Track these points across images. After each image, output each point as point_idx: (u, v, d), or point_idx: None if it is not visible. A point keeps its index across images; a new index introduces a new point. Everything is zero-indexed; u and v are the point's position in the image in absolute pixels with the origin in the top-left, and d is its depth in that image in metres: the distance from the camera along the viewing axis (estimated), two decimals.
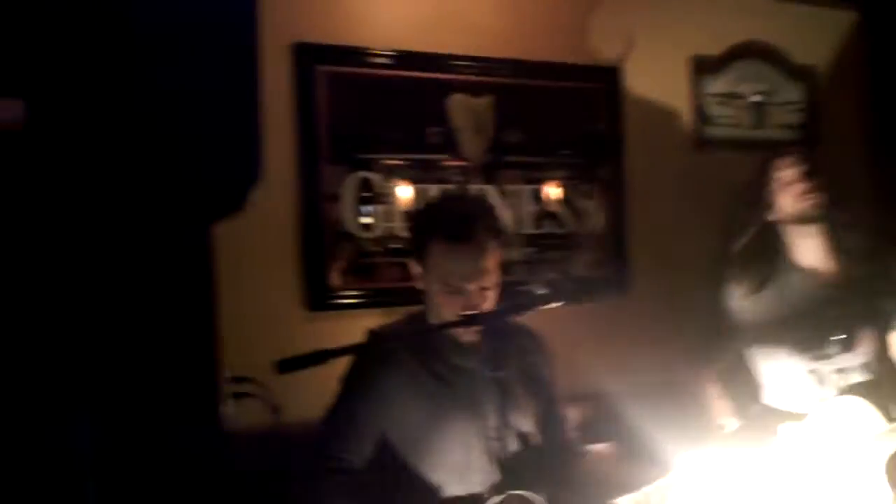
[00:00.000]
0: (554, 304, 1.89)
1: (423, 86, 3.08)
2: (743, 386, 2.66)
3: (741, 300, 2.61)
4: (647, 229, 3.43)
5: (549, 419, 2.14)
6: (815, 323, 2.45)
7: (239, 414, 2.51)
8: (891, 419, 2.16)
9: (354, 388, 2.03)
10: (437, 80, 3.10)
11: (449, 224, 1.95)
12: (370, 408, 1.99)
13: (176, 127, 1.70)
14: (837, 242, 2.52)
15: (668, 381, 3.24)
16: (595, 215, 3.36)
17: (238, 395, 2.55)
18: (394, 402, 1.99)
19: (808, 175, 2.49)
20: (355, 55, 2.99)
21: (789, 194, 2.50)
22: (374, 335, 2.05)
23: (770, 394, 2.59)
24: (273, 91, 2.84)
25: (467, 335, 1.98)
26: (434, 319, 2.01)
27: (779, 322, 2.52)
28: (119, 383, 1.93)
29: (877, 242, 2.56)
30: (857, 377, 2.45)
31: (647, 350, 3.31)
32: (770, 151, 2.69)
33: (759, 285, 2.56)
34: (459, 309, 1.89)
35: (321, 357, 1.61)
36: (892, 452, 1.93)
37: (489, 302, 1.95)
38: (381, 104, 3.02)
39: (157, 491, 1.96)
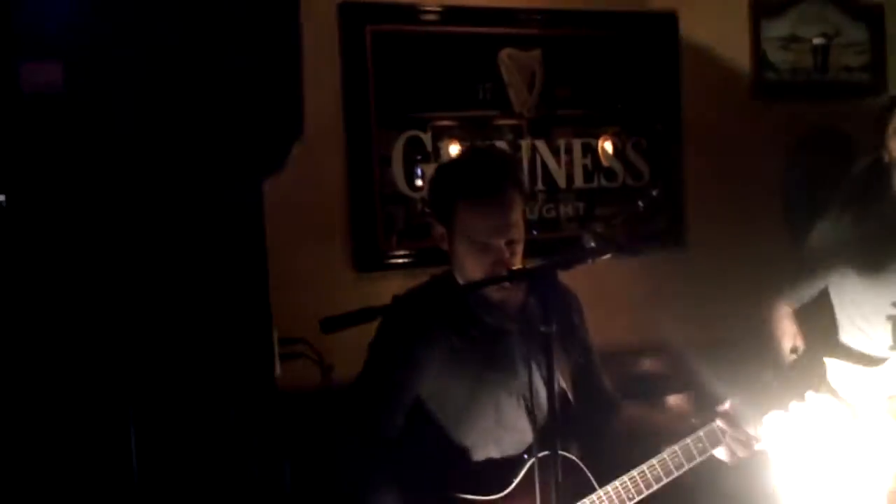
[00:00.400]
0: (603, 257, 1.85)
1: (472, 41, 3.03)
2: (821, 324, 2.66)
3: (836, 232, 2.58)
4: (704, 181, 3.34)
5: (588, 373, 2.11)
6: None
7: (290, 374, 2.56)
8: None
9: (384, 355, 2.01)
10: (485, 34, 3.05)
11: (473, 180, 1.92)
12: (401, 375, 1.97)
13: (218, 89, 1.70)
14: None
15: (723, 338, 3.20)
16: (650, 168, 3.27)
17: (290, 356, 2.59)
18: (424, 367, 1.96)
19: None
20: (402, 12, 2.96)
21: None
22: (399, 300, 2.02)
23: (849, 335, 2.57)
24: (321, 52, 2.85)
25: (498, 293, 1.94)
26: (461, 279, 1.97)
27: (871, 259, 2.49)
28: (173, 344, 1.96)
29: None
30: None
31: (705, 304, 3.25)
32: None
33: (862, 218, 2.54)
34: (488, 266, 1.87)
35: (366, 315, 1.59)
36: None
37: (517, 257, 1.91)
38: (430, 62, 2.99)
39: (210, 452, 2.00)
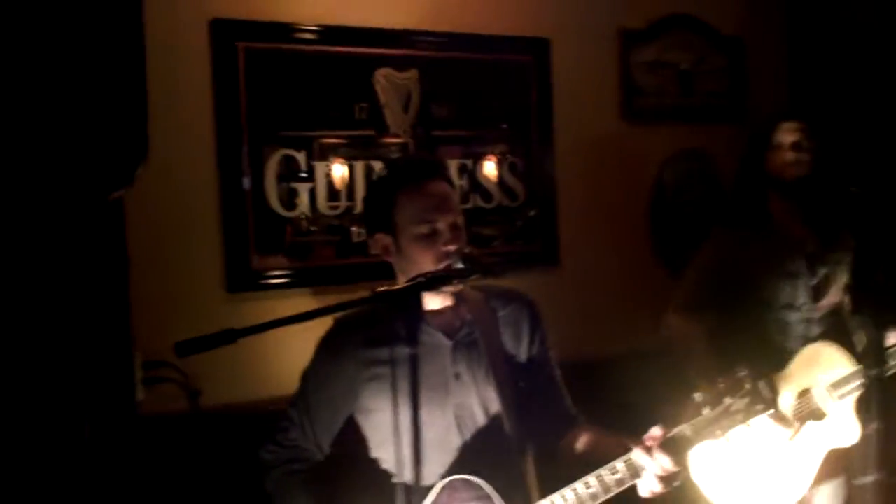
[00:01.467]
0: (471, 279, 1.88)
1: (348, 61, 3.03)
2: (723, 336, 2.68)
3: (725, 257, 2.70)
4: (576, 202, 3.43)
5: (541, 387, 2.09)
6: (790, 280, 2.62)
7: (156, 399, 2.48)
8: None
9: (310, 378, 2.04)
10: (361, 54, 3.05)
11: (410, 169, 2.00)
12: (325, 399, 2.00)
13: (59, 108, 1.64)
14: (814, 209, 2.66)
15: (605, 355, 3.28)
16: (526, 189, 3.34)
17: (154, 381, 2.51)
18: (348, 390, 1.98)
19: (803, 144, 2.61)
20: (277, 30, 2.92)
21: (783, 160, 2.62)
22: (339, 323, 2.03)
23: (750, 344, 2.63)
24: (193, 68, 2.79)
25: (432, 303, 1.96)
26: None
27: (757, 278, 2.63)
28: (26, 368, 1.87)
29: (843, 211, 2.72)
30: (823, 328, 2.63)
31: (579, 323, 3.33)
32: (772, 116, 2.80)
33: (743, 243, 2.67)
34: (440, 251, 1.89)
35: (225, 338, 1.54)
36: None
37: (462, 242, 1.93)
38: (305, 81, 2.96)
39: (70, 479, 1.91)
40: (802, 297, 2.61)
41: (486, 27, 3.26)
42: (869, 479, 1.94)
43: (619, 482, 1.78)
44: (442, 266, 1.88)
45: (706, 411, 1.80)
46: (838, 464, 2.49)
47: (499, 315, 2.07)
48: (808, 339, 2.58)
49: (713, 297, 2.68)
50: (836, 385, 2.43)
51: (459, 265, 1.88)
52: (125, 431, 2.04)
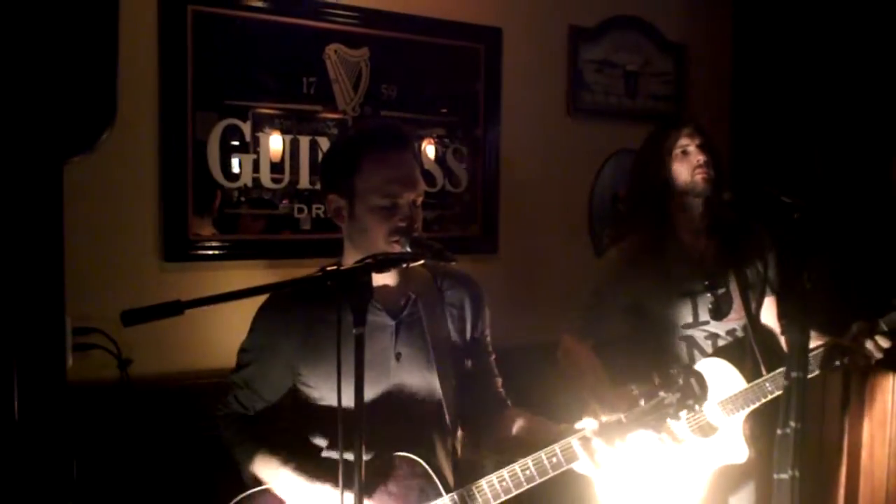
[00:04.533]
0: (416, 263, 1.87)
1: (299, 33, 2.98)
2: (629, 358, 2.62)
3: (620, 267, 2.60)
4: (516, 191, 3.46)
5: (476, 370, 2.12)
6: (690, 292, 2.56)
7: (85, 367, 2.42)
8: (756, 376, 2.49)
9: (251, 342, 2.04)
10: (313, 28, 3.01)
11: (380, 134, 1.95)
12: (260, 375, 2.03)
13: (28, 64, 1.57)
14: (716, 217, 2.59)
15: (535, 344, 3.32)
16: (467, 175, 3.36)
17: (84, 347, 2.45)
18: (286, 366, 2.00)
19: (704, 148, 2.54)
20: None
21: (684, 165, 2.54)
22: (277, 296, 2.00)
23: (656, 362, 2.51)
24: (139, 29, 2.70)
25: (377, 279, 1.88)
26: (361, 253, 1.83)
27: (656, 290, 2.56)
28: None
29: (749, 219, 2.66)
30: (725, 341, 2.60)
31: (514, 310, 3.37)
32: (669, 119, 2.76)
33: (640, 254, 2.57)
34: (394, 228, 1.86)
35: (171, 309, 1.50)
36: None
37: (418, 222, 1.91)
38: (254, 50, 2.90)
39: None
40: (703, 315, 2.56)
41: (441, 12, 3.26)
42: (785, 475, 2.01)
43: (556, 465, 1.87)
44: (393, 241, 1.87)
45: (642, 403, 1.91)
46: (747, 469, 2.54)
47: (445, 294, 2.08)
48: (710, 355, 2.55)
49: (609, 323, 2.59)
50: (725, 402, 2.45)
51: (408, 248, 1.88)
52: (54, 398, 1.98)
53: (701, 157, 2.52)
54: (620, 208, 3.65)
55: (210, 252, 2.83)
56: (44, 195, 1.92)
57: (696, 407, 1.94)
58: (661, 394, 1.92)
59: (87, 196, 2.58)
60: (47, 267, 2.03)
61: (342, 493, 1.60)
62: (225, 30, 2.84)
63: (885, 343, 2.46)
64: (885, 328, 2.45)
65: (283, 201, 2.98)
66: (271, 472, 1.93)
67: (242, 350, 2.05)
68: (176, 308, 1.50)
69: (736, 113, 3.95)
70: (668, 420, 1.92)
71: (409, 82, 3.21)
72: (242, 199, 2.90)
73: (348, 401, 1.73)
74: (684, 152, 2.54)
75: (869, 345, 2.45)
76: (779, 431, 2.00)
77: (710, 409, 2.46)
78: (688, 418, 2.44)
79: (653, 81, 3.82)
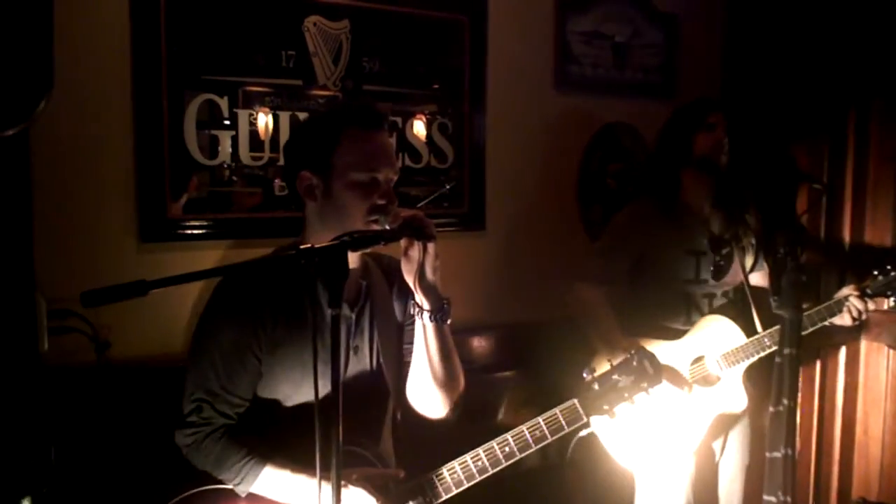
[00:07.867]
0: (397, 240, 1.83)
1: (276, 4, 2.88)
2: (630, 306, 2.85)
3: (633, 221, 2.85)
4: (505, 166, 3.40)
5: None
6: (694, 251, 2.81)
7: (62, 350, 2.36)
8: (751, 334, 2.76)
9: (207, 332, 1.93)
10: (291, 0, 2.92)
11: (361, 110, 1.92)
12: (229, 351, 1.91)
13: None
14: (725, 192, 2.86)
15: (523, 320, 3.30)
16: (455, 151, 3.28)
17: (61, 331, 2.39)
18: (249, 354, 1.91)
19: (728, 132, 2.78)
20: None
21: (709, 138, 2.77)
22: (237, 281, 1.92)
23: (654, 313, 2.85)
24: (110, 5, 2.61)
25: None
26: (333, 233, 1.73)
27: (664, 244, 2.80)
28: None
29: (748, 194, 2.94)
30: (720, 302, 2.89)
31: (502, 287, 3.34)
32: (706, 99, 2.95)
33: (652, 217, 2.81)
34: (373, 203, 1.83)
35: (135, 289, 1.43)
36: None
37: (395, 202, 1.88)
38: (229, 23, 2.80)
39: None
40: (704, 273, 2.81)
41: None
42: (777, 454, 2.00)
43: (557, 429, 2.01)
44: (371, 220, 1.82)
45: (595, 387, 2.04)
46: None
47: (394, 281, 2.07)
48: (707, 312, 2.82)
49: (621, 270, 2.81)
50: (727, 355, 2.73)
51: (387, 226, 1.83)
52: (30, 381, 1.94)
53: (725, 138, 2.76)
54: (610, 182, 3.63)
55: (189, 232, 2.76)
56: (7, 175, 1.86)
57: (650, 390, 2.06)
58: (615, 377, 2.04)
59: (62, 176, 2.52)
60: (15, 248, 1.98)
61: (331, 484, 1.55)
62: (199, 2, 2.74)
63: (869, 305, 2.77)
64: (869, 292, 2.78)
65: (276, 179, 2.91)
66: (294, 483, 1.85)
67: (201, 355, 1.92)
68: (140, 288, 1.44)
69: (727, 86, 3.87)
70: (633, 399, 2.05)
71: (392, 56, 3.12)
72: (222, 177, 2.82)
73: (309, 396, 1.73)
74: (711, 126, 2.77)
75: (858, 303, 2.75)
76: (771, 409, 2.00)
77: (713, 361, 2.74)
78: (691, 370, 2.73)
79: (642, 53, 3.73)
